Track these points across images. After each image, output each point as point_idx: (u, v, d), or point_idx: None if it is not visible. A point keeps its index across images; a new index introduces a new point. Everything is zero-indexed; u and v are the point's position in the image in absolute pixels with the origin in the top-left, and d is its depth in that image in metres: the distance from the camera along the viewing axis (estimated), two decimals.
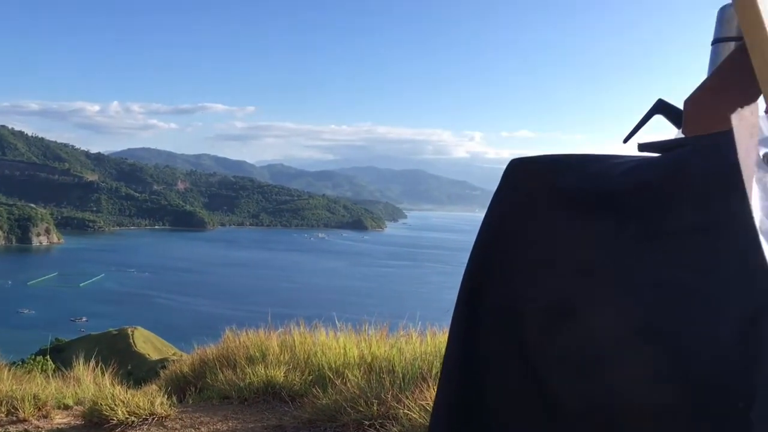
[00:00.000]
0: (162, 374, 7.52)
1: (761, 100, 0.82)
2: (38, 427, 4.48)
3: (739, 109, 0.66)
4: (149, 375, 12.54)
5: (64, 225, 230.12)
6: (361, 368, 4.68)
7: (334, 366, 4.88)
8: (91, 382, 5.80)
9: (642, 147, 0.96)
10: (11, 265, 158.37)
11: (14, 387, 5.06)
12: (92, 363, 6.54)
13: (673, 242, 0.72)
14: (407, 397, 3.74)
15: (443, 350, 0.97)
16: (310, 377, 4.89)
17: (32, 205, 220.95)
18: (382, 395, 3.93)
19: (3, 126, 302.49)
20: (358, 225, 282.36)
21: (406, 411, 3.62)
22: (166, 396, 4.66)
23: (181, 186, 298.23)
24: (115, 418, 4.31)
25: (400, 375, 4.25)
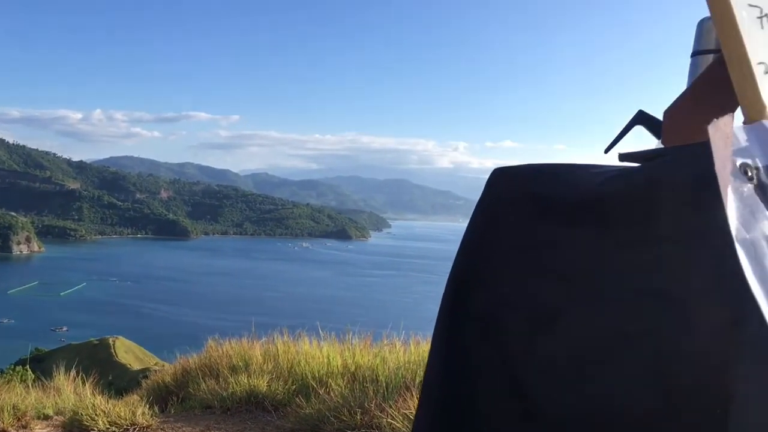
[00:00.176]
0: (144, 384, 7.45)
1: (738, 111, 0.84)
2: None
3: (715, 120, 0.68)
4: (131, 385, 12.41)
5: (45, 233, 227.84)
6: (345, 377, 4.68)
7: (317, 375, 4.87)
8: (71, 392, 5.75)
9: (622, 157, 0.97)
10: None
11: None
12: (73, 373, 6.48)
13: (652, 250, 0.73)
14: (391, 407, 3.74)
15: (427, 359, 0.98)
16: (294, 386, 4.87)
17: (13, 213, 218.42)
18: (366, 404, 3.92)
19: None
20: (342, 234, 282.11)
21: (389, 420, 3.62)
22: (147, 406, 4.63)
23: (164, 194, 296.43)
24: (95, 428, 4.27)
25: (384, 384, 4.25)
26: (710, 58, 1.04)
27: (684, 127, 0.95)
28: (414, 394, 3.77)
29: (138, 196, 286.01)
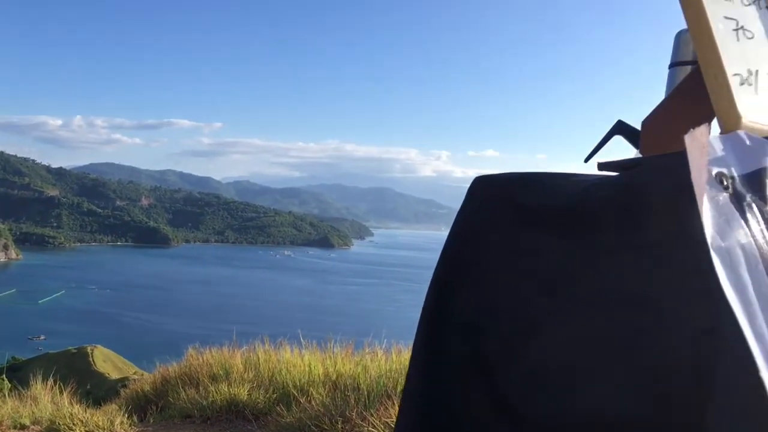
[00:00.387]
0: (122, 393, 7.38)
1: (715, 121, 0.85)
2: None
3: (692, 130, 0.69)
4: (109, 394, 12.26)
5: (23, 241, 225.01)
6: (326, 386, 4.66)
7: (298, 384, 4.85)
8: (48, 402, 5.67)
9: (601, 166, 0.99)
10: None
11: None
12: (50, 382, 6.40)
13: (630, 257, 0.74)
14: (372, 415, 3.73)
15: (408, 366, 0.98)
16: (275, 395, 4.85)
17: None
18: (347, 413, 3.91)
19: None
20: (324, 242, 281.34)
21: (370, 429, 3.61)
22: (126, 415, 4.58)
23: (145, 202, 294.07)
24: None
25: (365, 392, 4.24)
26: (687, 69, 1.06)
27: (661, 137, 0.96)
28: (395, 402, 3.76)
29: (118, 203, 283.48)
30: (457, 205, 0.96)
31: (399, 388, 4.15)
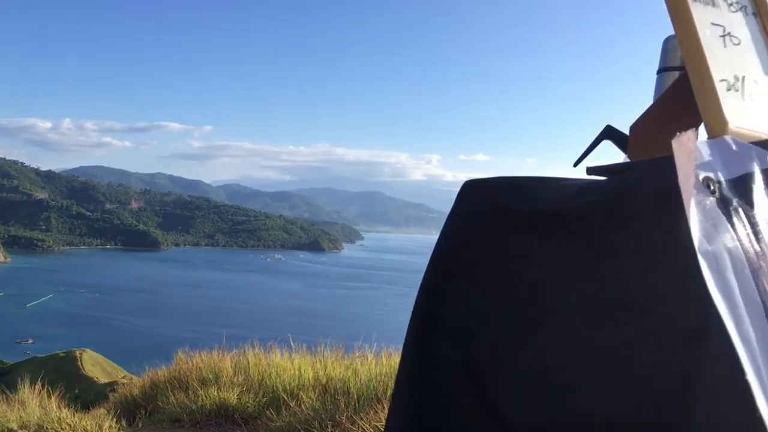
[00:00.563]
0: (111, 397, 7.34)
1: (702, 126, 0.86)
2: None
3: (679, 135, 0.69)
4: (98, 398, 12.20)
5: (11, 244, 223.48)
6: (316, 390, 4.66)
7: (288, 388, 4.84)
8: (36, 406, 5.63)
9: (590, 170, 0.99)
10: None
11: None
12: (38, 386, 6.35)
13: (619, 262, 0.74)
14: (362, 419, 3.73)
15: (398, 369, 0.98)
16: (264, 399, 4.83)
17: None
18: (337, 417, 3.91)
19: None
20: (315, 246, 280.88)
21: None
22: (114, 419, 4.55)
23: (134, 205, 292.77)
24: None
25: (355, 396, 4.24)
26: (675, 75, 1.07)
27: (649, 142, 0.97)
28: (385, 406, 3.76)
29: (108, 206, 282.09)
30: (447, 209, 0.96)
31: (389, 392, 4.14)
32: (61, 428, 4.26)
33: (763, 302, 0.69)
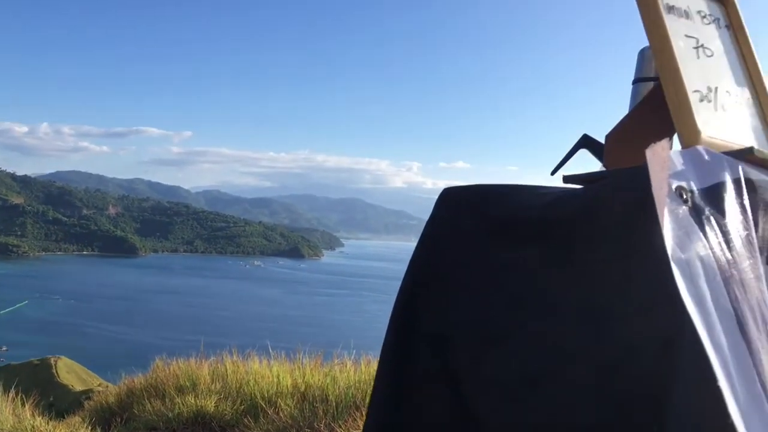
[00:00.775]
0: (86, 405, 7.23)
1: (675, 136, 0.87)
2: None
3: (653, 144, 0.71)
4: (73, 406, 12.01)
5: None
6: (295, 397, 4.63)
7: (266, 395, 4.81)
8: (10, 414, 5.53)
9: (567, 179, 1.01)
10: None
11: None
12: (12, 394, 6.25)
13: (594, 269, 0.75)
14: (340, 426, 3.71)
15: (375, 375, 0.98)
16: (242, 407, 4.80)
17: None
18: (315, 424, 3.89)
19: None
20: (294, 253, 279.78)
21: None
22: (89, 428, 4.49)
23: (112, 211, 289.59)
24: None
25: (334, 404, 4.22)
26: (650, 85, 1.08)
27: (624, 151, 0.98)
28: (364, 413, 3.75)
29: (85, 212, 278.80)
30: (427, 216, 0.97)
31: (368, 399, 4.13)
32: None
33: (734, 309, 0.71)
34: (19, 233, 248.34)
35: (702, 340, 0.67)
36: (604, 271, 0.74)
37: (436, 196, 0.98)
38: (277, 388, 4.93)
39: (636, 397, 0.70)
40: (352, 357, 5.47)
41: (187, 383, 5.38)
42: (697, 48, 0.93)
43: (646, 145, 0.72)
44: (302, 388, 4.80)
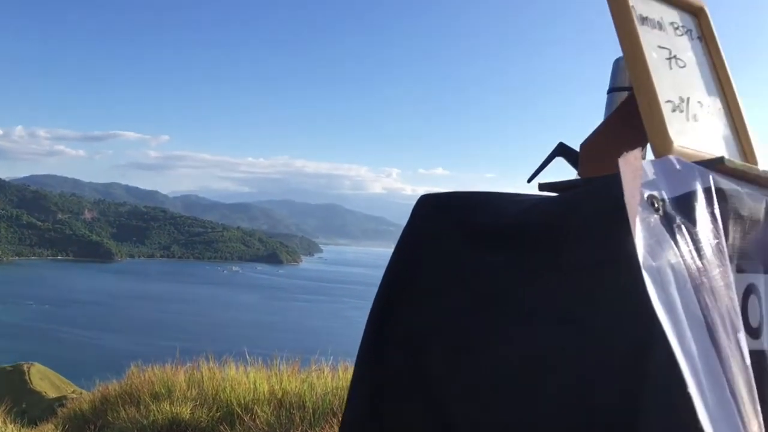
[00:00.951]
0: (59, 413, 7.14)
1: (648, 146, 0.89)
2: None
3: (626, 153, 0.72)
4: (46, 414, 11.83)
5: None
6: (271, 404, 4.60)
7: (243, 402, 4.77)
8: None
9: (542, 187, 1.02)
10: None
11: None
12: None
13: (566, 277, 0.76)
14: None
15: (350, 381, 0.98)
16: (218, 413, 4.76)
17: None
18: (292, 431, 3.87)
19: None
20: (273, 258, 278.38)
21: None
22: None
23: (88, 215, 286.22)
24: None
25: (311, 410, 4.20)
26: (625, 94, 1.10)
27: (599, 160, 1.00)
28: (341, 420, 3.74)
29: (60, 216, 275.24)
30: (405, 222, 0.97)
31: (344, 406, 4.13)
32: None
33: (705, 317, 0.72)
34: None
35: (672, 346, 0.68)
36: (577, 279, 0.75)
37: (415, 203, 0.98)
38: (253, 395, 4.90)
39: (608, 405, 0.71)
40: (330, 363, 5.46)
41: (163, 390, 5.33)
42: (669, 59, 0.94)
43: (619, 154, 0.73)
44: (279, 395, 4.78)
